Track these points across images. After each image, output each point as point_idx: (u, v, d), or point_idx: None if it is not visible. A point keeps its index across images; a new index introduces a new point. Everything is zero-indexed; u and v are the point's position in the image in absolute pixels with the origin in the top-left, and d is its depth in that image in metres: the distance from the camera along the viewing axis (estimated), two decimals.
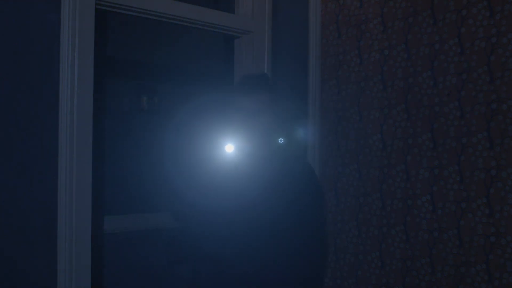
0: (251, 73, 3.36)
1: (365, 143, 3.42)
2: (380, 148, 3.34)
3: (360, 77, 3.47)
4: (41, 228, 2.59)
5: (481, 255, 2.87)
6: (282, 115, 2.50)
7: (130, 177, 4.76)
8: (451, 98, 3.00)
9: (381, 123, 3.33)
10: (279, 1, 3.59)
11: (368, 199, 3.39)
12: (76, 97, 2.66)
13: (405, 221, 3.19)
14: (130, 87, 4.83)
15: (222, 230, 2.46)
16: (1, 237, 2.48)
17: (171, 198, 2.53)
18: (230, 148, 2.42)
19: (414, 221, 3.15)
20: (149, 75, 4.93)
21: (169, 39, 4.99)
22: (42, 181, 2.60)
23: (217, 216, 2.49)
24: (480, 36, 2.90)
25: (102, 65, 3.53)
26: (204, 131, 3.07)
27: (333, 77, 3.66)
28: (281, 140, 2.48)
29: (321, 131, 3.72)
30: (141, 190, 4.83)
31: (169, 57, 5.03)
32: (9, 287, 2.51)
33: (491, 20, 2.86)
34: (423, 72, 3.13)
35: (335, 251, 3.57)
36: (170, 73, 5.08)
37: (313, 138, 3.67)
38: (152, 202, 4.87)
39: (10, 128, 2.52)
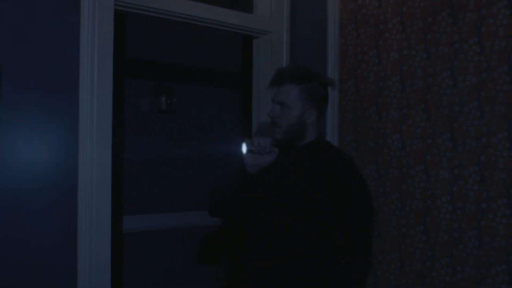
0: (289, 64, 3.38)
1: (384, 143, 3.41)
2: (399, 148, 3.32)
3: (379, 77, 3.46)
4: (62, 228, 2.61)
5: (502, 256, 2.85)
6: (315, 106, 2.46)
7: (149, 177, 4.78)
8: (471, 98, 2.98)
9: (400, 123, 3.31)
10: (297, 1, 3.58)
11: (387, 199, 3.37)
12: (95, 98, 2.67)
13: (425, 221, 3.17)
14: (148, 87, 4.85)
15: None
16: (22, 236, 2.50)
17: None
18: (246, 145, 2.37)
19: (434, 221, 3.13)
20: (168, 76, 4.95)
21: (187, 40, 5.00)
22: (62, 181, 2.62)
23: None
24: (500, 35, 2.88)
25: (121, 65, 3.55)
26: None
27: (351, 76, 3.65)
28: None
29: (339, 131, 3.71)
30: (160, 190, 4.85)
31: (187, 57, 5.05)
32: (29, 284, 2.53)
33: (511, 19, 2.84)
34: (442, 72, 3.11)
35: None
36: (188, 74, 5.10)
37: (331, 138, 3.66)
38: (171, 202, 4.90)
39: (31, 128, 2.54)
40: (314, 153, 2.44)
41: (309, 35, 3.68)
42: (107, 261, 2.72)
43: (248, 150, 2.33)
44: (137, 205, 4.72)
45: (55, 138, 2.61)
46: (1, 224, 2.44)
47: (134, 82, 4.73)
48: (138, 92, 4.77)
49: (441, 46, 3.13)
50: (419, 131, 3.22)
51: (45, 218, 2.56)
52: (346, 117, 3.67)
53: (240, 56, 5.20)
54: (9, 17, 2.47)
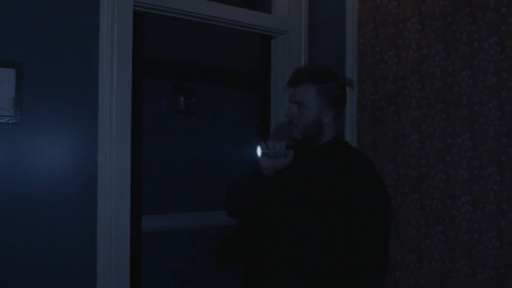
0: (306, 64, 3.37)
1: (403, 143, 3.39)
2: (418, 148, 3.31)
3: (398, 77, 3.44)
4: (82, 227, 2.63)
5: None
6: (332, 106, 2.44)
7: (167, 177, 4.80)
8: (491, 98, 2.96)
9: (420, 123, 3.30)
10: (316, 1, 3.58)
11: (407, 200, 3.36)
12: (115, 98, 2.69)
13: (444, 221, 3.15)
14: (167, 87, 4.86)
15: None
16: (43, 236, 2.52)
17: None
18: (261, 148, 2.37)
19: (453, 222, 3.11)
20: (186, 76, 4.96)
21: (205, 40, 5.01)
22: (82, 181, 2.64)
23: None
24: None
25: (140, 65, 3.56)
26: None
27: (370, 76, 3.64)
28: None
29: (358, 131, 3.70)
30: (178, 190, 4.87)
31: (206, 57, 5.06)
32: (50, 284, 2.55)
33: None
34: (462, 72, 3.09)
35: None
36: (206, 74, 5.11)
37: (350, 137, 3.65)
38: (189, 202, 4.91)
39: (51, 128, 2.56)
40: (332, 153, 2.43)
41: (327, 35, 3.67)
42: (126, 260, 2.73)
43: (263, 153, 2.34)
44: (155, 205, 4.75)
45: (75, 138, 2.63)
46: (22, 223, 2.47)
47: (152, 82, 4.75)
48: (156, 92, 4.79)
49: (460, 46, 3.11)
50: (438, 131, 3.20)
51: (66, 218, 2.59)
52: (364, 117, 3.66)
53: (258, 56, 5.21)
54: (30, 18, 2.50)
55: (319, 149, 2.44)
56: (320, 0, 3.61)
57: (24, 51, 2.49)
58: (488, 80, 2.98)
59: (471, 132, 3.04)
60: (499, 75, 2.93)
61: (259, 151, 2.34)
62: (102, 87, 2.68)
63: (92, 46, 2.67)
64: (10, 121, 2.42)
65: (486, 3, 2.99)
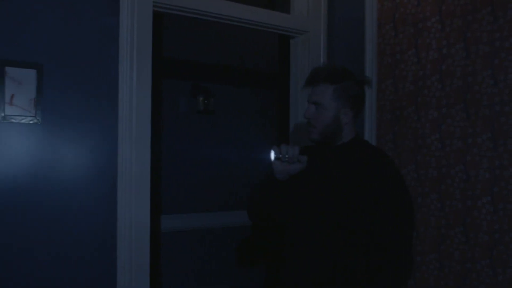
0: (324, 64, 3.35)
1: (423, 143, 3.37)
2: (438, 148, 3.28)
3: (418, 76, 3.43)
4: (102, 227, 2.65)
5: None
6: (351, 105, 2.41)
7: (186, 177, 4.81)
8: None
9: (440, 123, 3.28)
10: (335, 0, 3.57)
11: (426, 200, 3.34)
12: (134, 98, 2.70)
13: (465, 222, 3.13)
14: (186, 87, 4.88)
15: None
16: (63, 234, 2.55)
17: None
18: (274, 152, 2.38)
19: (474, 222, 3.09)
20: (205, 76, 4.97)
21: (224, 40, 5.02)
22: (102, 181, 2.65)
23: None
24: None
25: (159, 66, 3.58)
26: None
27: (390, 76, 3.62)
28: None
29: (377, 131, 3.69)
30: (197, 190, 4.88)
31: (224, 57, 5.07)
32: (70, 284, 2.57)
33: None
34: (483, 71, 3.07)
35: None
36: (225, 74, 5.11)
37: (369, 137, 3.64)
38: (208, 202, 4.92)
39: (72, 128, 2.57)
40: (352, 152, 2.42)
41: (347, 35, 3.66)
42: (146, 260, 2.75)
43: (276, 158, 2.34)
44: (174, 204, 4.76)
45: (95, 138, 2.64)
46: (43, 223, 2.49)
47: (171, 83, 4.77)
48: (175, 92, 4.81)
49: (481, 45, 3.08)
50: (458, 130, 3.18)
51: (86, 218, 2.60)
52: (384, 117, 3.65)
53: (277, 56, 5.21)
54: (50, 19, 2.52)
55: (339, 149, 2.44)
56: (339, 0, 3.60)
57: (45, 52, 2.51)
58: (509, 80, 2.95)
59: (492, 132, 3.02)
60: None
61: (272, 155, 2.34)
62: (122, 87, 2.70)
63: (112, 46, 2.69)
64: (31, 122, 2.44)
65: (508, 1, 2.96)
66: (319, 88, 2.39)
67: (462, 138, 3.16)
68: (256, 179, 5.03)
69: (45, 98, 2.49)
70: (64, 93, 2.55)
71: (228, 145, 5.04)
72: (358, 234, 2.30)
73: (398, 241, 2.31)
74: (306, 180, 2.42)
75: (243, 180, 5.01)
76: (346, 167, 2.39)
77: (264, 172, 2.48)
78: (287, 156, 2.32)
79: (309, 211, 2.41)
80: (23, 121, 2.42)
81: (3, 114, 2.37)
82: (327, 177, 2.40)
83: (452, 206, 3.20)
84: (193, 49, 4.90)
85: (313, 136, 2.43)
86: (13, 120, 2.39)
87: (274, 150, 2.34)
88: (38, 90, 2.46)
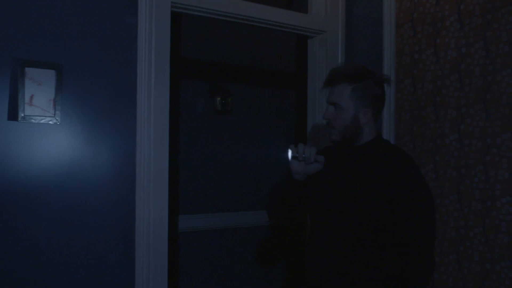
0: (342, 64, 3.33)
1: (442, 143, 3.35)
2: (457, 148, 3.26)
3: (436, 76, 3.41)
4: (120, 226, 2.66)
5: None
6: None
7: (204, 176, 4.82)
8: None
9: (459, 123, 3.26)
10: (353, 0, 3.56)
11: (445, 200, 3.32)
12: (153, 99, 2.71)
13: (484, 223, 3.10)
14: (204, 88, 4.88)
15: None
16: (81, 234, 2.56)
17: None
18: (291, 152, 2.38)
19: (493, 223, 3.07)
20: (222, 76, 4.97)
21: (241, 40, 5.02)
22: (121, 181, 2.67)
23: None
24: None
25: (177, 66, 3.59)
26: None
27: (408, 76, 3.60)
28: None
29: (396, 131, 3.67)
30: (215, 190, 4.89)
31: (242, 57, 5.07)
32: (89, 283, 2.58)
33: None
34: (502, 70, 3.05)
35: None
36: (242, 74, 5.12)
37: (388, 137, 3.62)
38: (225, 202, 4.93)
39: (90, 128, 2.59)
40: (373, 152, 2.41)
41: (365, 34, 3.65)
42: (164, 259, 2.75)
43: (293, 157, 2.34)
44: (192, 204, 4.77)
45: (113, 139, 2.65)
46: (62, 223, 2.50)
47: (189, 83, 4.77)
48: (193, 92, 4.82)
49: (501, 44, 3.06)
50: (478, 130, 3.15)
51: (105, 217, 2.61)
52: (403, 117, 3.63)
53: (295, 56, 5.20)
54: (68, 19, 2.53)
55: (360, 149, 2.43)
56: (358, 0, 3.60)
57: (64, 52, 2.52)
58: None
59: None
60: None
61: (289, 155, 2.34)
62: (140, 88, 2.71)
63: (130, 47, 2.70)
64: (50, 122, 2.45)
65: None
66: (337, 89, 2.38)
67: (481, 138, 3.13)
68: (274, 179, 5.04)
69: (64, 98, 2.51)
70: (83, 93, 2.57)
71: (245, 145, 5.04)
72: (382, 234, 2.30)
73: (422, 241, 2.29)
74: (328, 180, 2.42)
75: (261, 180, 5.01)
76: (368, 167, 2.38)
77: (283, 171, 2.48)
78: (304, 155, 2.32)
79: (332, 211, 2.40)
80: (42, 121, 2.43)
81: (23, 115, 2.38)
82: (350, 177, 2.39)
83: (471, 207, 3.17)
84: (211, 49, 4.90)
85: (333, 137, 2.42)
86: (32, 120, 2.41)
87: (291, 150, 2.34)
88: (57, 90, 2.47)
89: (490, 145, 3.09)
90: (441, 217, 3.33)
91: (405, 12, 3.64)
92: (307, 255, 2.51)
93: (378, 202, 2.28)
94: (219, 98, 4.85)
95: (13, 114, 2.38)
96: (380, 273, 2.29)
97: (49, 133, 2.48)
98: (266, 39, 5.12)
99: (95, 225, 2.59)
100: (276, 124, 5.25)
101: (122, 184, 2.67)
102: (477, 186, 3.15)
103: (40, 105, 2.44)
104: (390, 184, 2.29)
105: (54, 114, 2.46)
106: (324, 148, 2.51)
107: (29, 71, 2.41)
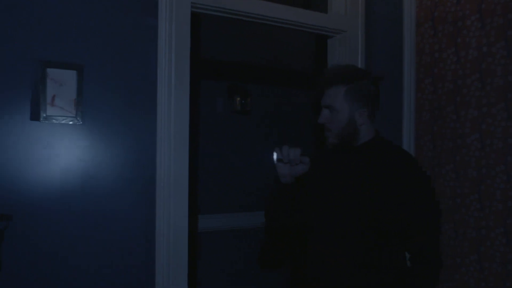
0: (333, 65, 3.26)
1: (463, 143, 3.33)
2: (478, 148, 3.24)
3: (457, 75, 3.38)
4: (141, 226, 2.67)
5: None
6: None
7: (223, 176, 4.83)
8: None
9: (480, 122, 3.23)
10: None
11: (466, 200, 3.29)
12: (173, 99, 2.72)
13: (506, 223, 3.08)
14: (223, 88, 4.89)
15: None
16: (102, 234, 2.58)
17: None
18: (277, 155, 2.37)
19: None
20: (242, 76, 4.98)
21: (260, 40, 5.02)
22: (141, 181, 2.68)
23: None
24: None
25: (196, 66, 3.60)
26: None
27: (429, 75, 3.58)
28: None
29: (416, 130, 3.65)
30: (234, 190, 4.89)
31: (261, 57, 5.07)
32: (110, 283, 2.60)
33: None
34: None
35: None
36: (262, 74, 5.12)
37: (407, 137, 3.61)
38: (245, 202, 4.93)
39: (111, 129, 2.61)
40: (371, 152, 2.39)
41: (385, 34, 3.63)
42: (184, 259, 2.76)
43: (278, 159, 2.33)
44: (211, 204, 4.78)
45: (134, 139, 2.67)
46: (82, 223, 2.52)
47: (208, 83, 4.79)
48: (212, 92, 4.83)
49: None
50: (499, 130, 3.13)
51: (126, 217, 2.63)
52: (423, 117, 3.61)
53: (314, 56, 5.19)
54: (90, 20, 2.55)
55: (359, 149, 2.41)
56: None
57: (85, 53, 2.54)
58: None
59: None
60: None
61: (275, 157, 2.33)
62: (161, 88, 2.72)
63: (150, 47, 2.71)
64: (72, 122, 2.47)
65: None
66: (330, 91, 2.37)
67: (503, 138, 3.11)
68: None
69: (86, 99, 2.52)
70: (104, 93, 2.59)
71: (264, 145, 5.04)
72: (384, 234, 2.28)
73: (427, 241, 2.28)
74: (324, 183, 2.40)
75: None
76: (367, 167, 2.36)
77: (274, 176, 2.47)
78: (289, 157, 2.31)
79: (331, 213, 2.39)
80: (64, 121, 2.45)
81: (44, 115, 2.40)
82: (349, 179, 2.38)
83: (492, 207, 3.15)
84: (230, 49, 4.91)
85: (330, 140, 2.41)
86: (54, 121, 2.43)
87: (276, 152, 2.34)
88: (78, 91, 2.49)
89: (511, 145, 3.06)
90: (461, 217, 3.31)
91: (426, 11, 3.62)
92: (308, 258, 2.49)
93: (380, 202, 2.26)
94: (238, 98, 4.86)
95: (35, 115, 2.41)
96: (387, 274, 2.28)
97: (71, 133, 2.50)
98: (284, 39, 5.12)
99: (116, 225, 2.61)
100: (295, 124, 5.25)
101: (143, 183, 2.68)
102: (498, 186, 3.12)
103: (62, 105, 2.46)
104: (394, 184, 2.28)
105: (76, 115, 2.48)
106: (318, 151, 2.49)
107: (50, 71, 2.43)
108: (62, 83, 2.46)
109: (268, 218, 2.61)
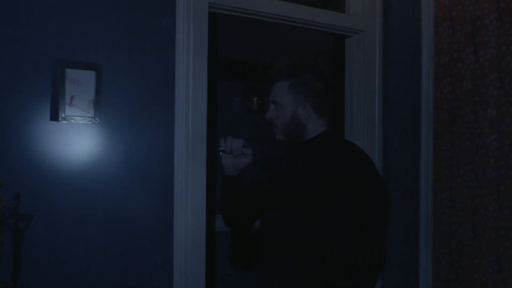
0: (279, 59, 3.14)
1: (481, 143, 3.31)
2: (497, 148, 3.22)
3: (476, 75, 3.36)
4: (159, 225, 2.68)
5: None
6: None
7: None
8: None
9: (498, 122, 3.21)
10: None
11: (484, 201, 3.27)
12: (191, 99, 2.72)
13: None
14: (240, 88, 4.89)
15: None
16: (120, 234, 2.59)
17: None
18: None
19: None
20: (258, 76, 4.98)
21: (277, 40, 5.02)
22: (159, 180, 2.69)
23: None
24: None
25: (214, 66, 3.61)
26: None
27: (447, 75, 3.56)
28: None
29: (434, 130, 3.63)
30: None
31: (278, 57, 5.06)
32: (128, 282, 2.61)
33: None
34: None
35: (450, 253, 3.47)
36: None
37: (426, 136, 3.60)
38: None
39: (129, 128, 2.62)
40: (315, 150, 2.32)
41: (402, 33, 3.62)
42: (202, 259, 2.76)
43: (221, 151, 2.33)
44: None
45: (152, 139, 2.68)
46: (100, 222, 2.54)
47: (225, 83, 4.79)
48: (229, 92, 4.83)
49: None
50: None
51: (144, 216, 2.64)
52: (441, 116, 3.59)
53: (331, 56, 5.17)
54: (108, 21, 2.57)
55: (304, 146, 2.35)
56: None
57: (103, 53, 2.56)
58: None
59: None
60: None
61: (219, 147, 2.36)
62: (178, 88, 2.73)
63: (168, 47, 2.72)
64: (90, 122, 2.49)
65: None
66: (276, 86, 2.37)
67: None
68: None
69: (104, 99, 2.54)
70: (122, 94, 2.60)
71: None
72: (326, 232, 2.19)
73: (370, 240, 2.22)
74: (275, 180, 2.32)
75: None
76: (306, 164, 2.28)
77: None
78: (231, 148, 2.30)
79: (277, 212, 2.29)
80: (82, 121, 2.47)
81: (63, 115, 2.42)
82: (291, 176, 2.28)
83: None
84: (247, 49, 4.91)
85: (277, 137, 2.39)
86: (73, 121, 2.45)
87: (220, 142, 2.33)
88: (97, 91, 2.50)
89: None
90: (480, 217, 3.29)
91: (444, 10, 3.60)
92: (261, 258, 2.43)
93: (324, 200, 2.18)
94: (255, 98, 4.86)
95: (54, 115, 2.42)
96: (329, 272, 2.18)
97: (89, 134, 2.52)
98: (302, 39, 5.11)
99: (134, 224, 2.62)
100: None
101: (161, 183, 2.69)
102: None
103: (80, 105, 2.48)
104: (337, 181, 2.20)
105: (94, 115, 2.50)
106: (289, 148, 2.45)
107: (69, 72, 2.45)
108: (80, 84, 2.48)
109: (221, 211, 2.51)
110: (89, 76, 2.50)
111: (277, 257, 2.29)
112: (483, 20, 3.33)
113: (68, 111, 2.44)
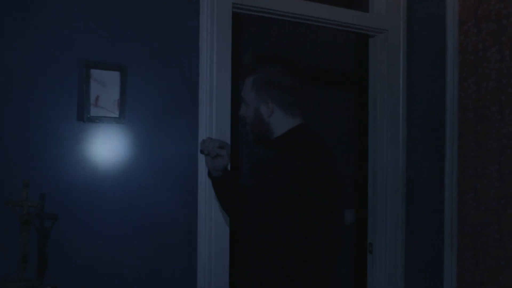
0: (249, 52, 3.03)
1: (508, 143, 3.27)
2: None
3: (502, 74, 3.32)
4: (183, 225, 2.69)
5: None
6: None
7: None
8: None
9: None
10: None
11: (510, 201, 3.24)
12: (215, 99, 2.72)
13: None
14: None
15: None
16: (144, 233, 2.60)
17: None
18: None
19: None
20: None
21: (299, 39, 5.00)
22: (184, 181, 2.69)
23: None
24: None
25: (237, 67, 3.60)
26: None
27: (472, 74, 3.53)
28: None
29: (459, 130, 3.60)
30: None
31: (300, 57, 5.04)
32: (152, 281, 2.62)
33: None
34: None
35: (475, 254, 3.44)
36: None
37: (450, 137, 3.56)
38: None
39: (153, 129, 2.63)
40: (279, 149, 2.20)
41: (427, 32, 3.59)
42: (225, 260, 2.76)
43: (200, 151, 2.32)
44: None
45: (176, 139, 2.68)
46: (125, 221, 2.54)
47: None
48: None
49: None
50: None
51: (168, 217, 2.64)
52: (466, 116, 3.56)
53: (355, 56, 5.15)
54: (133, 21, 2.57)
55: (270, 145, 2.25)
56: None
57: (127, 54, 2.56)
58: None
59: None
60: None
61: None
62: (202, 89, 2.72)
63: (192, 48, 2.72)
64: (114, 122, 2.49)
65: None
66: (245, 82, 2.25)
67: None
68: None
69: (128, 100, 2.54)
70: (146, 94, 2.60)
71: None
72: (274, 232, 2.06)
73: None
74: (252, 180, 2.29)
75: None
76: (265, 165, 2.25)
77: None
78: (207, 149, 2.28)
79: (249, 210, 2.22)
80: (107, 122, 2.48)
81: (88, 115, 2.43)
82: (256, 177, 2.27)
83: None
84: (270, 49, 4.90)
85: (250, 136, 2.30)
86: (98, 121, 2.45)
87: (200, 143, 2.34)
88: (121, 92, 2.51)
89: None
90: (506, 219, 3.26)
91: (469, 9, 3.57)
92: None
93: (272, 202, 2.07)
94: None
95: (79, 115, 2.43)
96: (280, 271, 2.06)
97: (114, 134, 2.52)
98: (325, 38, 5.08)
99: (159, 226, 2.62)
100: (336, 125, 5.21)
101: (185, 185, 2.69)
102: None
103: (105, 106, 2.48)
104: (292, 178, 2.04)
105: (119, 115, 2.50)
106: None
107: (94, 72, 2.46)
108: (105, 84, 2.48)
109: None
110: (113, 77, 2.51)
111: (252, 250, 2.17)
112: (509, 19, 3.29)
113: (93, 111, 2.45)
